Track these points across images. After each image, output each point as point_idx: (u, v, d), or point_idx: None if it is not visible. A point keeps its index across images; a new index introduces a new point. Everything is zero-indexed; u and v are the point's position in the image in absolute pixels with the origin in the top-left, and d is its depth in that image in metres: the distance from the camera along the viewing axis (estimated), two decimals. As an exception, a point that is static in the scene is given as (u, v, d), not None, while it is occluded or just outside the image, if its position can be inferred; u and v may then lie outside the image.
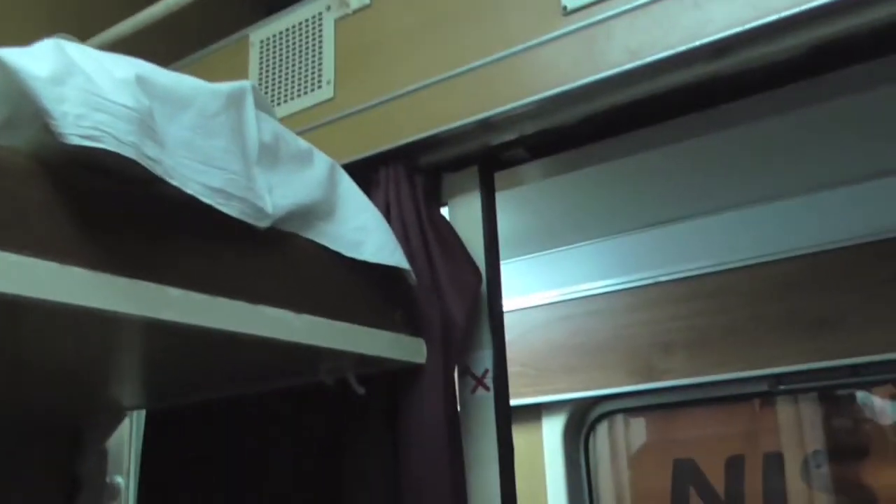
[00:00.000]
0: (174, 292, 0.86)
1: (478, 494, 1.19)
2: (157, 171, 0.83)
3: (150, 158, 0.82)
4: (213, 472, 1.40)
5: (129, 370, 1.24)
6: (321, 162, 1.14)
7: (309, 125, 1.47)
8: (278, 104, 1.55)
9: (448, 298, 1.23)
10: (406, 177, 1.33)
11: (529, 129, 1.30)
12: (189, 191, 0.88)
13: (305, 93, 1.53)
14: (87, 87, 0.80)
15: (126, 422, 1.58)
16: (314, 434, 1.30)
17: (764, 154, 1.81)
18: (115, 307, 0.80)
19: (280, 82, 1.57)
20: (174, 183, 0.85)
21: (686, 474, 2.45)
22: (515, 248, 2.18)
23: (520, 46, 1.26)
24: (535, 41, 1.24)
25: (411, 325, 1.18)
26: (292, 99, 1.55)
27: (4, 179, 0.74)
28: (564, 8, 1.22)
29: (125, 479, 1.59)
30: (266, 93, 1.57)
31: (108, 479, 1.56)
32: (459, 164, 1.39)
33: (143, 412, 1.53)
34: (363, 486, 1.20)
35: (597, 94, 1.20)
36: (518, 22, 1.27)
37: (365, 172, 1.33)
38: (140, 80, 0.88)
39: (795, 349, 1.98)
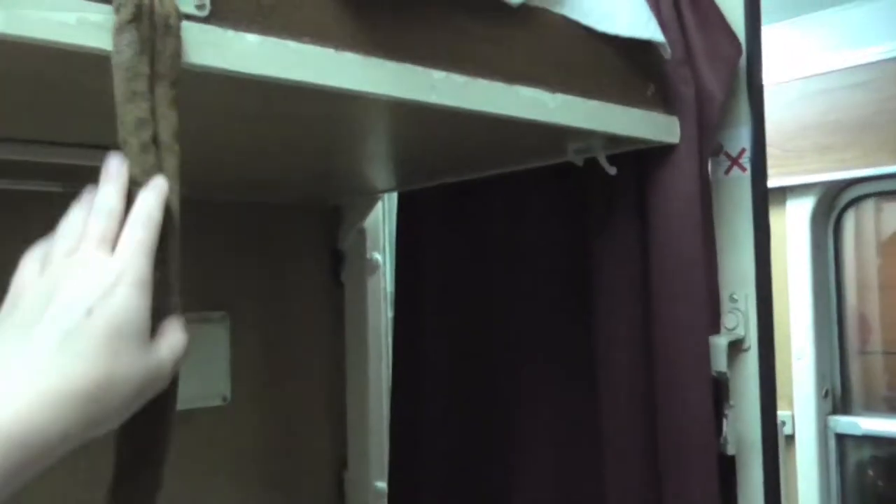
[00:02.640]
0: (437, 75, 0.86)
1: (729, 279, 1.17)
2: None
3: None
4: (462, 250, 1.49)
5: (383, 154, 1.31)
6: (566, -74, 1.04)
7: None
8: None
9: (703, 72, 1.13)
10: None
11: None
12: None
13: None
14: None
15: (380, 203, 1.72)
16: (560, 215, 1.32)
17: None
18: (386, 91, 0.82)
19: None
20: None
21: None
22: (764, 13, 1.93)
23: None
24: None
25: (664, 101, 1.11)
26: None
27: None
28: None
29: (382, 255, 1.76)
30: None
31: (367, 255, 1.75)
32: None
33: (395, 194, 1.65)
34: (611, 266, 1.22)
35: None
36: None
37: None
38: None
39: None
